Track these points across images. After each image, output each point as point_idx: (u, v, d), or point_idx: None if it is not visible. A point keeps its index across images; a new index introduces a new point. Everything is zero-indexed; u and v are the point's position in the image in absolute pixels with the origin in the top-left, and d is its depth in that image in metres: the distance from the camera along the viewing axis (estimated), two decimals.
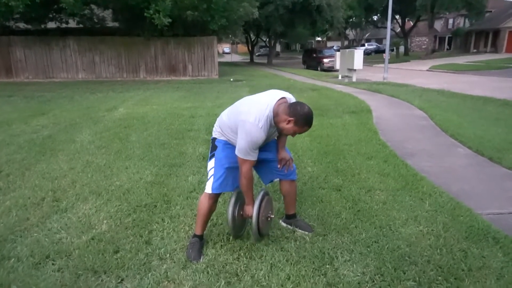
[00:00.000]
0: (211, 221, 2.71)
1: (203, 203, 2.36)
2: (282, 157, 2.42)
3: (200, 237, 2.41)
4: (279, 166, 2.43)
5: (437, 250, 2.35)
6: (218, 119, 2.43)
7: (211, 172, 2.35)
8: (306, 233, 2.57)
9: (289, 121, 2.08)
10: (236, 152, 2.17)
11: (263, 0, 22.09)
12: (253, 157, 2.16)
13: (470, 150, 4.62)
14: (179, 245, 2.43)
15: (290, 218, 2.66)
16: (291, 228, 2.61)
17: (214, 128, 2.44)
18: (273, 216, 2.45)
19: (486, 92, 10.09)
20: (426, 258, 2.27)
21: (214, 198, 2.37)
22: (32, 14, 13.28)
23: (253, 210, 2.25)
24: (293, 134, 2.18)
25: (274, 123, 2.14)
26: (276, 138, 2.43)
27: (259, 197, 2.30)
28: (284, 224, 2.68)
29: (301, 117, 2.07)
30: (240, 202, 2.38)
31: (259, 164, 2.36)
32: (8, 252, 2.35)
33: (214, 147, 2.38)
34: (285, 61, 37.39)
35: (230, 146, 2.32)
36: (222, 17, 14.11)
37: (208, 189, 2.33)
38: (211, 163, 2.37)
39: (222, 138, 2.36)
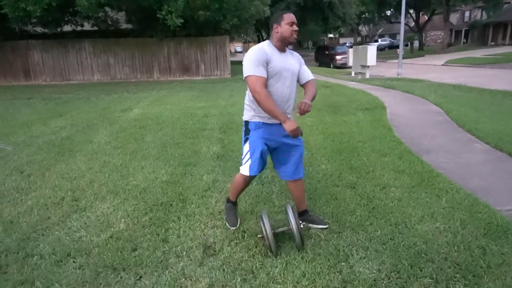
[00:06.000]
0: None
1: (239, 181, 2.55)
2: (302, 102, 2.23)
3: (234, 203, 2.71)
4: (297, 111, 2.22)
5: (455, 247, 2.32)
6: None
7: (247, 156, 2.43)
8: (321, 226, 2.58)
9: (276, 26, 2.29)
10: (244, 75, 2.26)
11: None
12: (259, 72, 2.20)
13: (488, 146, 4.53)
14: (195, 243, 2.47)
15: (302, 215, 2.67)
16: (305, 225, 2.60)
17: (244, 109, 2.49)
18: (304, 223, 2.56)
19: (505, 86, 9.84)
20: (443, 255, 2.25)
21: (251, 179, 2.53)
22: (49, 18, 13.57)
23: (294, 123, 2.19)
24: (291, 35, 2.27)
25: (273, 41, 2.32)
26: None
27: (290, 209, 2.31)
28: None
29: (280, 14, 2.29)
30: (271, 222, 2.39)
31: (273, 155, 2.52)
32: (32, 249, 2.44)
33: (247, 131, 2.44)
34: None
35: (261, 125, 2.37)
36: (234, 16, 14.14)
37: (245, 171, 2.43)
38: (246, 147, 2.44)
39: (254, 119, 2.38)
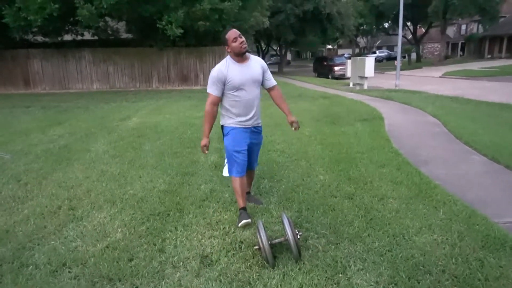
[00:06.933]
0: (223, 230, 2.75)
1: (233, 183, 2.87)
2: (292, 120, 2.93)
3: (244, 208, 2.86)
4: (293, 128, 2.94)
5: (452, 259, 2.32)
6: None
7: (226, 160, 2.92)
8: (259, 205, 3.11)
9: (227, 47, 2.65)
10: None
11: (274, 10, 22.30)
12: (212, 91, 2.68)
13: (486, 158, 4.54)
14: (192, 253, 2.45)
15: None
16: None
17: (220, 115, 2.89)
18: (301, 233, 2.44)
19: (502, 98, 9.92)
20: (441, 267, 2.24)
21: (240, 179, 2.83)
22: (50, 27, 13.67)
23: (207, 142, 2.74)
24: (240, 48, 2.60)
25: (232, 57, 2.67)
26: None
27: (286, 219, 2.32)
28: None
29: (224, 37, 2.65)
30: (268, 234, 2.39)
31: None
32: (27, 259, 2.41)
33: (223, 136, 2.87)
34: (296, 69, 37.47)
35: (230, 130, 2.77)
36: (233, 27, 14.27)
37: (225, 173, 2.94)
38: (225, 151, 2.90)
39: (227, 124, 2.80)
